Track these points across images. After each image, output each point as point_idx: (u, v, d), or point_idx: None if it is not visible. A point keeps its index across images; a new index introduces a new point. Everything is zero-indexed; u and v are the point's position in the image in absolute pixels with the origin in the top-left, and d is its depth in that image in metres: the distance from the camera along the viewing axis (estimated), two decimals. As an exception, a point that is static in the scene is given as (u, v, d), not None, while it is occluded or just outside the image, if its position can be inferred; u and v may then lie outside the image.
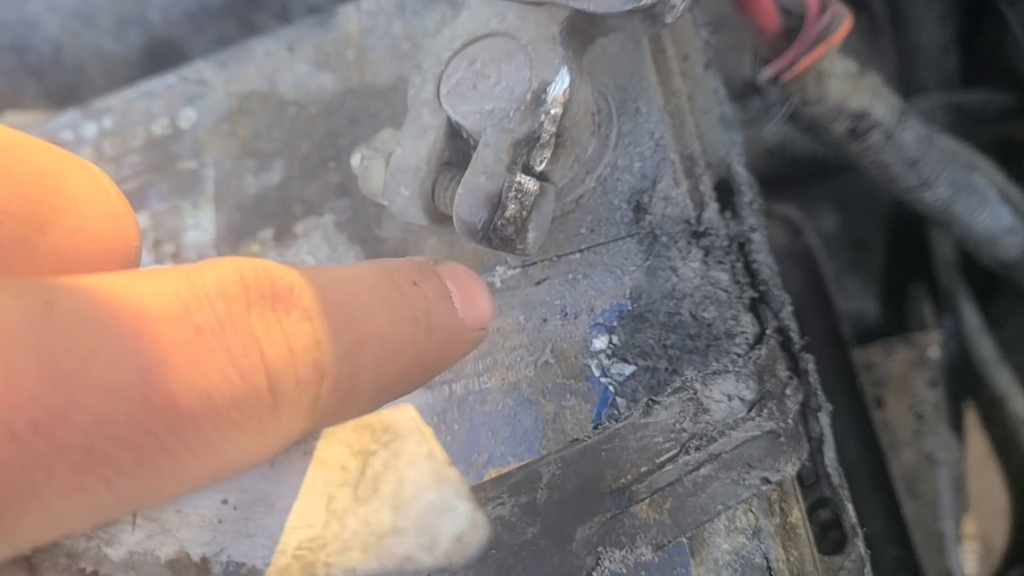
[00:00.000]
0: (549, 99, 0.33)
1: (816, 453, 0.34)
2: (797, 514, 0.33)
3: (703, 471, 0.30)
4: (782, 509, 0.33)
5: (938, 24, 0.80)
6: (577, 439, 0.30)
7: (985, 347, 0.73)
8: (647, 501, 0.29)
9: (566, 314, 0.36)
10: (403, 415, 0.22)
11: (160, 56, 0.65)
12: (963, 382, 0.77)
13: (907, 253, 0.83)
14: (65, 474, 0.17)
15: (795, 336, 0.36)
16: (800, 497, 0.34)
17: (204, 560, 0.22)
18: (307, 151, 0.44)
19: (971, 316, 0.75)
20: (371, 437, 0.22)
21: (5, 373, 0.17)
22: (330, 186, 0.42)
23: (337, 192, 0.42)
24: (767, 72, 0.55)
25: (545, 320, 0.36)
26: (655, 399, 0.31)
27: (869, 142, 0.58)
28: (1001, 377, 0.71)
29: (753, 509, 0.32)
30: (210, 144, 0.46)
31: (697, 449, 0.30)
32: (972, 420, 0.81)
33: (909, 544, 0.61)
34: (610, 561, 0.29)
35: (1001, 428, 0.76)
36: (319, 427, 0.23)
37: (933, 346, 0.69)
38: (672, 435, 0.30)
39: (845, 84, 0.56)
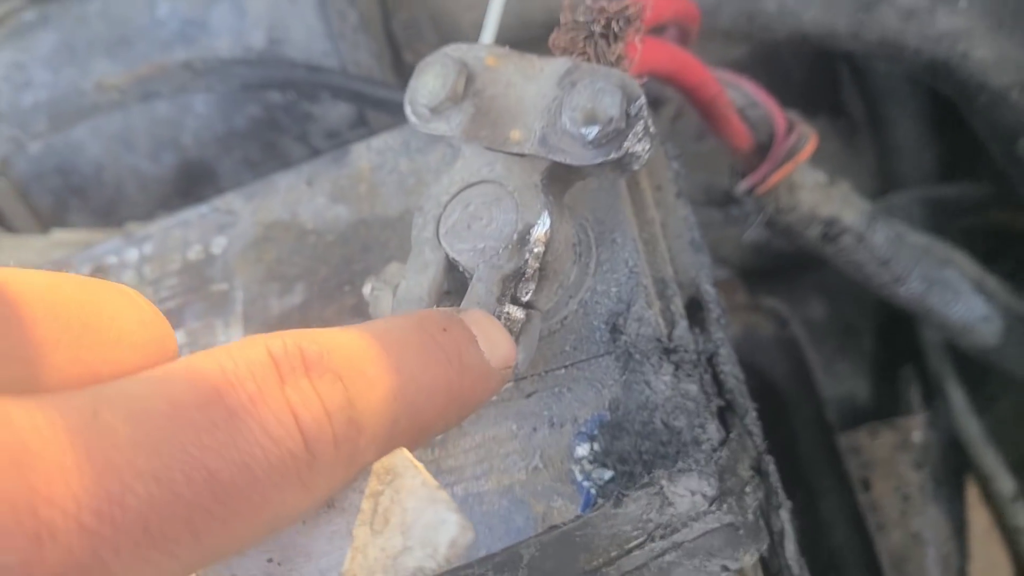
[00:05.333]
0: (532, 239, 0.38)
1: (778, 546, 0.39)
2: (760, 603, 0.37)
3: (668, 557, 0.34)
4: (745, 599, 0.37)
5: (913, 121, 0.84)
6: (555, 526, 0.34)
7: (972, 428, 0.76)
8: (617, 583, 0.33)
9: (553, 424, 0.40)
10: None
11: (192, 176, 0.71)
12: (955, 461, 0.80)
13: (896, 337, 0.86)
14: (129, 551, 0.21)
15: (758, 440, 0.40)
16: (763, 588, 0.38)
17: None
18: (325, 275, 0.49)
19: (958, 398, 0.78)
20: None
21: (67, 476, 0.20)
22: (346, 307, 0.48)
23: (352, 313, 0.47)
24: (743, 185, 0.60)
25: (535, 429, 0.41)
26: (625, 492, 0.35)
27: (841, 245, 0.63)
28: (987, 458, 0.74)
29: (718, 600, 0.36)
30: (239, 268, 0.51)
31: (662, 537, 0.34)
32: (974, 494, 0.83)
33: (899, 622, 0.63)
34: (583, 636, 0.33)
35: (993, 505, 0.79)
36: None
37: (916, 430, 0.73)
38: (640, 524, 0.34)
39: (815, 194, 0.61)
